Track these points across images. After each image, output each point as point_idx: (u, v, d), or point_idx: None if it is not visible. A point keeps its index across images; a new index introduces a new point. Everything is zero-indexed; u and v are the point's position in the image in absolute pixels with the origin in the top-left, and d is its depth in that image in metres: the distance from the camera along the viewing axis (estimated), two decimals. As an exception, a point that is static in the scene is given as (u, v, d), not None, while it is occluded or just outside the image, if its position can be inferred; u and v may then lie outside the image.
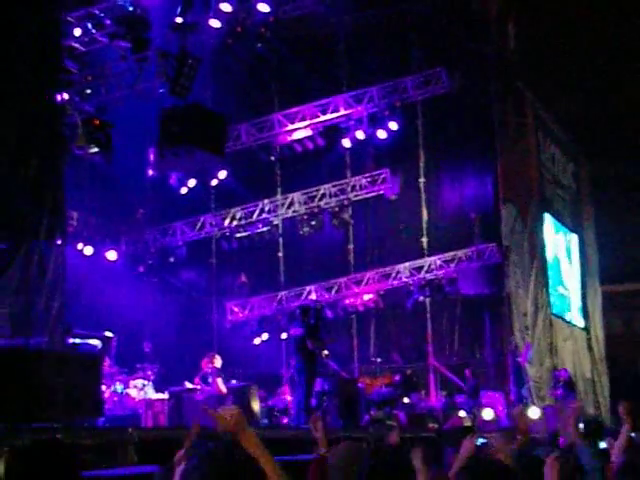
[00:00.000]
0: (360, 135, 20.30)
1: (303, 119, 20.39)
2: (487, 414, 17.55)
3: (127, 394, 14.48)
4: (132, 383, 14.59)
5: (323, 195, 20.77)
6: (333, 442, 5.69)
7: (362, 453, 5.03)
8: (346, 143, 20.67)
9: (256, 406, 14.52)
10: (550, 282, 22.57)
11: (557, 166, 24.51)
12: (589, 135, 24.31)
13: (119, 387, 14.47)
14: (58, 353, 10.43)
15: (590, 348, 25.26)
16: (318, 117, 20.30)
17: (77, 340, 12.91)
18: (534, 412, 17.33)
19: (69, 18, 15.00)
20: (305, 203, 20.87)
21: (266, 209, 21.04)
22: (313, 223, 20.76)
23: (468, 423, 16.68)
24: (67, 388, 9.27)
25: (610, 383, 25.72)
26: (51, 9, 12.48)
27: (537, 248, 21.71)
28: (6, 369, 8.86)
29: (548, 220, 23.17)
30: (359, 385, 16.92)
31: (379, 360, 20.16)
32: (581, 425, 8.73)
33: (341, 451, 5.03)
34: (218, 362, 14.90)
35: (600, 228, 26.78)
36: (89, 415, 9.77)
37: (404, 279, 20.60)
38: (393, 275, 20.70)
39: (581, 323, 25.01)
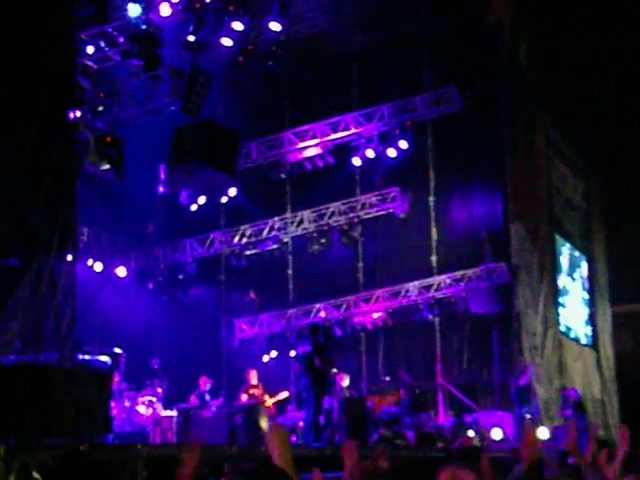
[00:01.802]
0: (370, 153, 20.39)
1: (314, 137, 20.49)
2: (496, 434, 17.50)
3: (135, 411, 14.50)
4: (140, 400, 14.63)
5: (333, 213, 20.80)
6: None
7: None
8: (356, 161, 20.77)
9: (264, 424, 14.50)
10: (559, 301, 22.52)
11: (567, 185, 24.48)
12: (599, 154, 24.28)
13: (127, 404, 14.49)
14: (68, 369, 10.45)
15: (600, 368, 25.15)
16: (328, 135, 20.40)
17: (87, 356, 12.94)
18: (543, 432, 17.26)
19: (82, 36, 15.14)
20: (315, 221, 20.91)
21: (276, 227, 21.09)
22: (322, 241, 20.80)
23: (477, 443, 16.63)
24: (77, 404, 9.29)
25: (620, 404, 25.59)
26: (65, 27, 12.58)
27: (547, 267, 21.66)
28: (16, 385, 8.89)
29: (557, 239, 23.14)
30: (367, 404, 16.88)
31: (388, 379, 20.11)
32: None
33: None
34: (254, 378, 15.11)
35: (610, 248, 26.72)
36: (98, 431, 9.77)
37: (413, 297, 20.57)
38: (402, 293, 20.67)
39: (587, 342, 24.91)
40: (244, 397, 15.00)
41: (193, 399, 15.15)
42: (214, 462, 8.58)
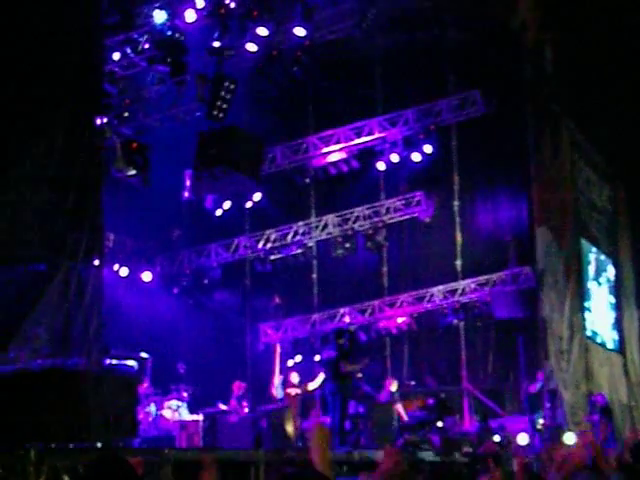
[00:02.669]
0: (395, 158, 20.40)
1: (338, 142, 20.52)
2: (522, 439, 17.40)
3: (161, 415, 14.56)
4: (166, 404, 14.69)
5: (357, 218, 20.81)
6: (369, 466, 5.70)
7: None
8: (381, 166, 20.78)
9: (290, 428, 14.53)
10: (585, 305, 22.37)
11: (593, 189, 24.32)
12: (625, 158, 24.08)
13: (153, 408, 14.55)
14: (96, 374, 10.51)
15: (627, 373, 24.94)
16: (353, 140, 20.43)
17: (114, 361, 13.01)
18: (569, 438, 17.14)
19: (109, 43, 15.25)
20: (339, 225, 20.92)
21: (300, 231, 21.13)
22: (347, 245, 20.79)
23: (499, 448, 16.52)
24: (104, 408, 9.38)
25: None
26: (92, 34, 12.69)
27: (572, 271, 21.52)
28: (45, 389, 8.98)
29: (583, 243, 22.98)
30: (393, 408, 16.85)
31: (413, 383, 20.07)
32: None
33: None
34: (295, 379, 15.21)
35: (637, 251, 26.50)
36: (125, 435, 9.86)
37: (438, 302, 20.55)
38: (427, 298, 20.65)
39: (614, 347, 24.70)
40: (279, 392, 15.10)
41: (233, 403, 15.20)
42: (241, 466, 8.63)
